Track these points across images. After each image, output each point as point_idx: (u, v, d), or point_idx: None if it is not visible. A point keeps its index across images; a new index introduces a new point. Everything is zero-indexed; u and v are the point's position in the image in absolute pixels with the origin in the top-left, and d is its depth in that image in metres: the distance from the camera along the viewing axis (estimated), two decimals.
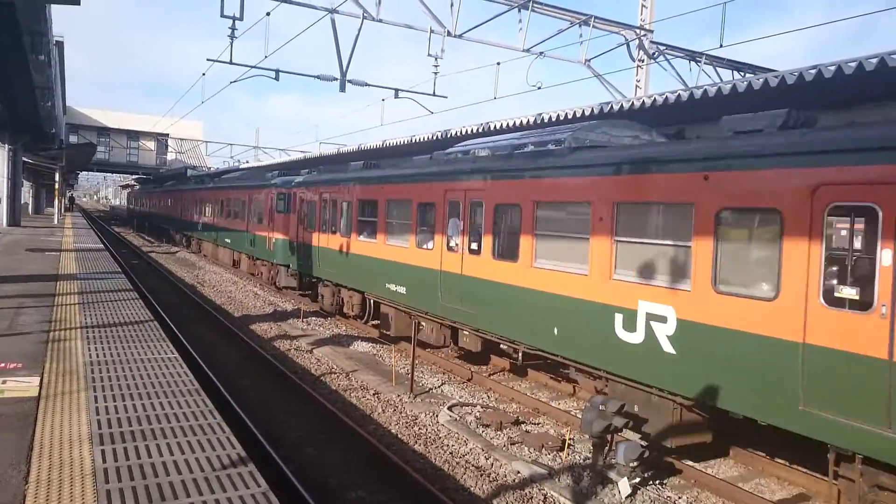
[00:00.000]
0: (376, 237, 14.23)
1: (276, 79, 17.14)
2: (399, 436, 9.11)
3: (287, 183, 21.22)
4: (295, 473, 7.23)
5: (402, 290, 13.03)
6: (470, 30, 16.17)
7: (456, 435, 9.14)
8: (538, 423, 9.86)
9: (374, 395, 10.98)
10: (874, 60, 6.95)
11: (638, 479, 7.55)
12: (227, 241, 28.42)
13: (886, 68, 6.86)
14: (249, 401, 10.18)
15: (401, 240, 13.31)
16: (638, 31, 17.83)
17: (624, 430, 7.89)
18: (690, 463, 8.30)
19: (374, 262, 14.25)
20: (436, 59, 16.36)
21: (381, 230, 14.06)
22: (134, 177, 67.99)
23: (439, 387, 11.63)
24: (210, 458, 4.99)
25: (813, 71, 7.63)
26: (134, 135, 57.47)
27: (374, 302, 14.99)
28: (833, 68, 7.36)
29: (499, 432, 9.29)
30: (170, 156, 59.44)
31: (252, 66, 16.97)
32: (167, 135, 55.84)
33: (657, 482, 7.77)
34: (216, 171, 41.62)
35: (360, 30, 15.24)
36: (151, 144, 58.29)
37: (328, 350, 14.07)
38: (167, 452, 5.06)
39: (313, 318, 17.67)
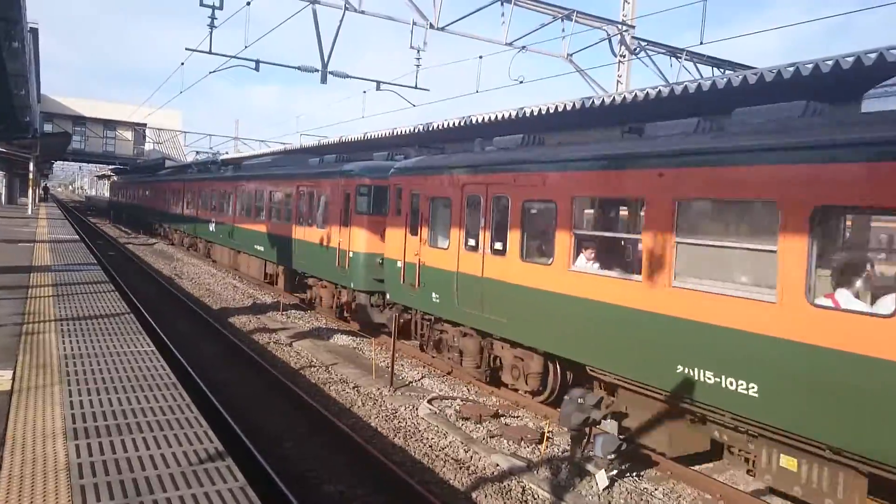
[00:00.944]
0: (640, 272, 7.65)
1: (257, 69, 17.02)
2: (379, 429, 9.11)
3: (375, 171, 14.96)
4: (273, 467, 7.21)
5: (748, 388, 6.42)
6: (452, 22, 16.13)
7: (436, 428, 9.17)
8: (517, 417, 9.91)
9: (353, 388, 10.97)
10: None
11: (615, 472, 7.63)
12: (259, 248, 21.20)
13: None
14: (228, 394, 10.11)
15: (747, 285, 6.83)
16: (620, 26, 17.90)
17: (601, 422, 7.97)
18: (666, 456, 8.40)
19: (633, 319, 7.69)
20: (418, 51, 16.32)
21: (653, 260, 7.46)
22: (111, 167, 66.95)
23: (419, 380, 11.65)
24: (187, 452, 4.95)
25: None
26: (110, 124, 56.55)
27: (611, 384, 8.54)
28: None
29: (478, 425, 9.33)
30: (147, 146, 58.57)
31: (232, 56, 16.82)
32: (144, 125, 55.04)
33: (634, 474, 7.86)
34: (238, 156, 34.79)
35: (341, 21, 15.15)
36: (128, 134, 57.38)
37: (308, 343, 14.01)
38: (143, 447, 5.01)
39: (293, 311, 17.58)
